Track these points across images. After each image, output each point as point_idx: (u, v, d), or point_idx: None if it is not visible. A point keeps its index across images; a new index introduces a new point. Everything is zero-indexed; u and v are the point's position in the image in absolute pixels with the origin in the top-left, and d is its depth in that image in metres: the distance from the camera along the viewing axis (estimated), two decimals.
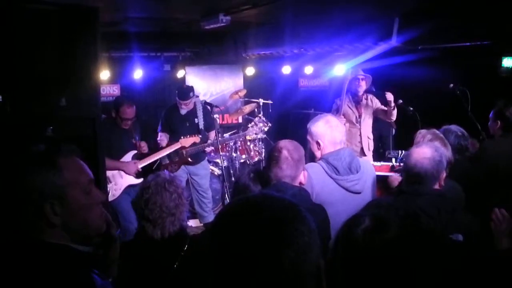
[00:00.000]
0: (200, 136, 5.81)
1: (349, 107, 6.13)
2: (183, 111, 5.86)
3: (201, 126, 5.88)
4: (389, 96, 5.81)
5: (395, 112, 5.95)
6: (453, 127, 3.93)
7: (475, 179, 3.09)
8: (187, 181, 6.05)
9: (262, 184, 2.67)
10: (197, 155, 5.93)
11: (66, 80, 3.05)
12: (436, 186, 2.79)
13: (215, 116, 7.26)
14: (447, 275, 1.76)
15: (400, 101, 6.32)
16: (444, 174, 2.82)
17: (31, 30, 2.94)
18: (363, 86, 6.11)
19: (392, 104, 5.81)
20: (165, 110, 6.10)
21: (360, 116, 6.14)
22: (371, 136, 6.29)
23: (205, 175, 6.12)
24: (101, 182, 3.09)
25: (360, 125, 6.14)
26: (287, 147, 2.57)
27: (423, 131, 3.49)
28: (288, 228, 1.03)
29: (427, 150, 2.79)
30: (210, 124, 6.01)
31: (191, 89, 5.87)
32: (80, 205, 1.51)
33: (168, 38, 7.15)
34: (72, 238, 1.50)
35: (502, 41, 5.90)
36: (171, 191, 2.60)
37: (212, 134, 6.10)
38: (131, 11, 5.11)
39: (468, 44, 5.55)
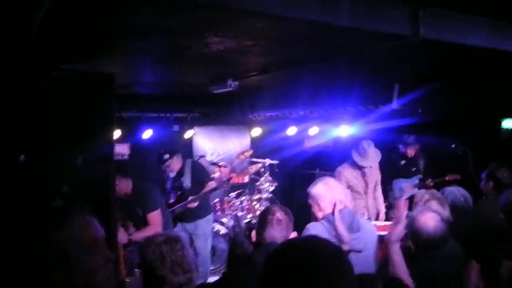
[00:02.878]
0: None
1: (355, 177, 5.55)
2: (171, 174, 5.91)
3: (186, 184, 5.81)
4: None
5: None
6: (455, 189, 3.96)
7: (474, 237, 3.19)
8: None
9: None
10: (191, 213, 5.79)
11: (83, 140, 3.23)
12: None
13: (216, 174, 7.25)
14: None
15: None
16: None
17: (53, 94, 3.15)
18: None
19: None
20: None
21: (367, 186, 5.59)
22: (380, 208, 5.76)
23: (201, 235, 5.91)
24: (113, 240, 3.19)
25: (366, 195, 5.59)
26: (280, 211, 2.74)
27: (421, 191, 3.59)
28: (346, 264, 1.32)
29: (432, 214, 2.84)
30: (201, 179, 5.90)
31: (166, 151, 5.82)
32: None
33: (177, 99, 7.39)
34: None
35: (501, 103, 6.08)
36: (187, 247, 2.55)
37: (209, 185, 5.92)
38: (143, 76, 5.37)
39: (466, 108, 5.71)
